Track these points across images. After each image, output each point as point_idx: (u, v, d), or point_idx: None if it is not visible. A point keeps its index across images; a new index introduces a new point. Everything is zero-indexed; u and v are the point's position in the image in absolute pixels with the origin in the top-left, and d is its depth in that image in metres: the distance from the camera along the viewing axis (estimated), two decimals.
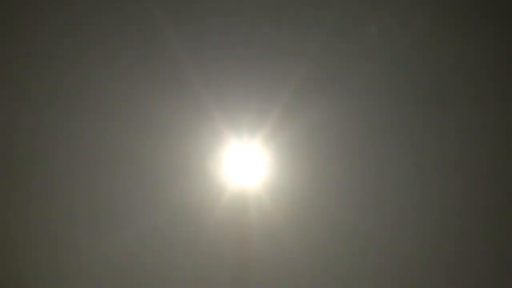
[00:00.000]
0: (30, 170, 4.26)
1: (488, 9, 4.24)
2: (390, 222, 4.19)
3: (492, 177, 4.21)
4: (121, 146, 4.23)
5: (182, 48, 4.24)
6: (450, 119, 4.24)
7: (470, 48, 4.24)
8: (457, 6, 4.24)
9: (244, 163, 4.27)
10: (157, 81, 4.24)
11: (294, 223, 4.17)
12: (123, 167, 4.23)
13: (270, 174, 4.25)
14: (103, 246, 4.16)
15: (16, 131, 4.27)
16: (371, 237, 4.16)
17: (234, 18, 4.27)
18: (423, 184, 4.21)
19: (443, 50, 4.25)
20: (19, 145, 4.26)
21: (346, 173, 4.22)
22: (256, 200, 4.21)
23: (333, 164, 4.23)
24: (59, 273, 4.17)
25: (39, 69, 4.27)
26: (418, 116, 4.26)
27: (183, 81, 4.23)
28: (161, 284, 4.15)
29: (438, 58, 4.26)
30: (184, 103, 4.22)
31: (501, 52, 4.24)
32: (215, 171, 4.24)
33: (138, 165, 4.22)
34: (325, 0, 4.25)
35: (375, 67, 4.26)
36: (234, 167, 4.26)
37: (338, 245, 4.16)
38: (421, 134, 4.24)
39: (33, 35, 4.26)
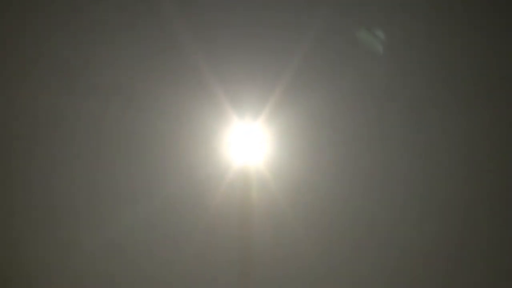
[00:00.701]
0: (27, 157, 4.27)
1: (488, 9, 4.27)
2: (392, 201, 4.21)
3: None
4: (123, 126, 4.24)
5: (186, 29, 4.25)
6: (450, 98, 4.27)
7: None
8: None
9: (247, 143, 4.30)
10: (160, 62, 4.25)
11: (296, 202, 4.20)
12: (125, 148, 4.24)
13: (273, 153, 4.28)
14: (106, 227, 4.17)
15: (13, 114, 4.27)
16: (373, 216, 4.18)
17: None
18: (423, 161, 4.24)
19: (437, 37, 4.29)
20: (16, 128, 4.26)
21: (347, 154, 4.25)
22: (258, 179, 4.24)
23: (334, 145, 4.26)
24: (59, 257, 4.18)
25: (39, 46, 4.26)
26: (418, 98, 4.28)
27: (186, 62, 4.25)
28: (164, 263, 4.16)
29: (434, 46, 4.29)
30: (187, 84, 4.23)
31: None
32: (218, 151, 4.27)
33: (140, 146, 4.24)
34: None
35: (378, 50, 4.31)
36: (237, 147, 4.30)
37: (340, 224, 4.18)
38: (422, 114, 4.27)
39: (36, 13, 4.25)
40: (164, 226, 4.18)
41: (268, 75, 4.22)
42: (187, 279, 4.15)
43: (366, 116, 4.27)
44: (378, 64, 4.28)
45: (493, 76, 4.26)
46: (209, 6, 4.28)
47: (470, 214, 4.18)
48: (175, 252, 4.15)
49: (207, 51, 4.24)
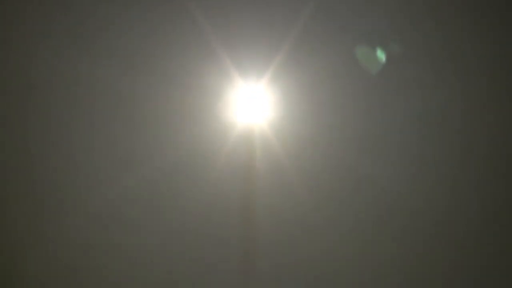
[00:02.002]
0: (23, 120, 4.18)
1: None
2: (394, 166, 4.19)
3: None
4: (124, 88, 4.15)
5: None
6: (455, 65, 4.22)
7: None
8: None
9: (251, 105, 4.22)
10: (162, 21, 4.16)
11: (301, 165, 4.16)
12: (127, 109, 4.16)
13: (277, 115, 4.21)
14: (108, 189, 4.13)
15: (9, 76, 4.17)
16: (375, 180, 4.16)
17: None
18: (427, 128, 4.20)
19: None
20: (16, 89, 4.17)
21: (353, 116, 4.20)
22: (262, 141, 4.18)
23: (339, 106, 4.20)
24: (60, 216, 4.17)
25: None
26: (426, 65, 4.22)
27: (189, 22, 4.16)
28: (166, 224, 4.15)
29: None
30: (189, 45, 4.14)
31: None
32: (221, 113, 4.19)
33: (142, 107, 4.16)
34: None
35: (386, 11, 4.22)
36: (240, 109, 4.22)
37: (343, 187, 4.16)
38: (429, 82, 4.21)
39: None
40: (165, 190, 4.14)
41: (273, 35, 4.13)
42: (189, 242, 4.13)
43: (372, 79, 4.20)
44: (384, 28, 4.21)
45: None
46: None
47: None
48: (177, 215, 4.12)
49: (210, 11, 4.15)
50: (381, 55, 4.21)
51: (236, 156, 4.15)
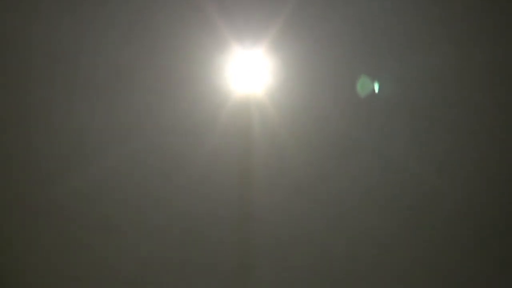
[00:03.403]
0: (26, 84, 4.17)
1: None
2: (396, 137, 4.15)
3: None
4: (121, 56, 4.14)
5: None
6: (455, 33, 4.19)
7: None
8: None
9: (248, 72, 4.17)
10: None
11: (297, 132, 4.13)
12: (122, 78, 4.14)
13: (274, 82, 4.17)
14: (104, 159, 4.12)
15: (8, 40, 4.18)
16: (370, 145, 4.13)
17: None
18: (428, 98, 4.16)
19: None
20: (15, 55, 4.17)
21: (351, 86, 4.15)
22: (259, 108, 4.15)
23: (338, 76, 4.15)
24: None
25: None
26: (425, 34, 4.18)
27: None
28: (162, 194, 4.12)
29: None
30: (186, 10, 4.12)
31: None
32: (218, 80, 4.15)
33: (138, 75, 4.13)
34: None
35: None
36: (238, 75, 4.17)
37: (341, 157, 4.13)
38: (427, 51, 4.18)
39: None
40: (160, 159, 4.12)
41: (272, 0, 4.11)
42: (184, 212, 4.11)
43: (374, 46, 4.16)
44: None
45: None
46: None
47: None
48: (172, 185, 4.10)
49: None
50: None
51: (232, 124, 4.13)
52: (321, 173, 4.11)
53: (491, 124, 4.14)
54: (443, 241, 4.12)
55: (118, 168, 4.10)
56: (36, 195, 4.12)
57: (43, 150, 4.15)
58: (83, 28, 4.15)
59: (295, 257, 4.12)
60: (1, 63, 4.17)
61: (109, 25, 4.14)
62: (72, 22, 4.15)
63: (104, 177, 4.11)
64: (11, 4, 4.17)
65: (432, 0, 4.15)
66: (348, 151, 4.12)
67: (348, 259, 4.11)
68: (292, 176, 4.11)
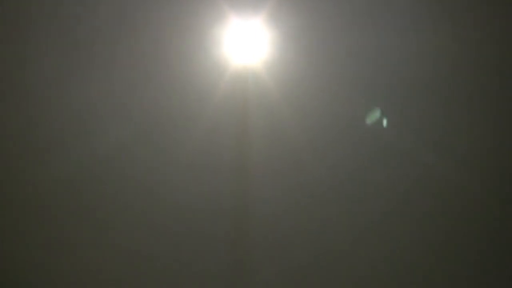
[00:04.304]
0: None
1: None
2: (396, 111, 4.15)
3: None
4: (119, 27, 4.13)
5: None
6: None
7: None
8: None
9: (245, 42, 4.15)
10: None
11: (294, 102, 4.11)
12: (121, 47, 4.13)
13: (271, 53, 4.15)
14: (97, 141, 4.11)
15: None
16: (372, 124, 4.13)
17: None
18: (426, 74, 4.15)
19: None
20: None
21: (349, 56, 4.13)
22: (256, 79, 4.13)
23: (336, 46, 4.13)
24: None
25: None
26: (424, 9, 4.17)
27: None
28: (159, 166, 4.12)
29: None
30: None
31: None
32: (215, 50, 4.14)
33: (136, 45, 4.12)
34: None
35: None
36: (235, 46, 4.15)
37: (336, 125, 4.12)
38: (424, 25, 4.16)
39: None
40: (157, 130, 4.12)
41: None
42: (181, 189, 4.11)
43: (372, 19, 4.14)
44: None
45: None
46: None
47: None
48: (169, 157, 4.11)
49: None
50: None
51: (230, 95, 4.12)
52: (317, 144, 4.10)
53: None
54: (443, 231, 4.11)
55: (116, 142, 4.11)
56: (37, 171, 4.14)
57: (46, 124, 4.18)
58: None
59: (293, 235, 4.11)
60: None
61: None
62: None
63: (100, 155, 4.11)
64: None
65: None
66: (346, 121, 4.11)
67: (347, 229, 4.10)
68: (289, 147, 4.11)
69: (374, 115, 4.14)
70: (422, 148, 4.10)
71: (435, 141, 4.12)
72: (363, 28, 4.13)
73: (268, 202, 4.13)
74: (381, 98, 4.14)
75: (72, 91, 4.15)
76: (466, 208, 4.09)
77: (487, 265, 4.07)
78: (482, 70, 4.14)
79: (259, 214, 4.14)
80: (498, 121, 4.13)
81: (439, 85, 4.14)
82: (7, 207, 4.13)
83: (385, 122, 4.13)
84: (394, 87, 4.15)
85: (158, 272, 4.10)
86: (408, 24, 4.14)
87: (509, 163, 4.13)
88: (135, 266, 4.09)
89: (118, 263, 4.09)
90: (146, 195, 4.12)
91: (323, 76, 4.12)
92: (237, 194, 4.14)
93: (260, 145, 4.13)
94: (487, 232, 4.08)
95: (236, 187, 4.14)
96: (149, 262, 4.10)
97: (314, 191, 4.12)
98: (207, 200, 4.13)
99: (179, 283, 4.09)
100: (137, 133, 4.13)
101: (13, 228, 4.10)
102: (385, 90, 4.15)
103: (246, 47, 4.15)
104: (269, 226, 4.13)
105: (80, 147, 4.12)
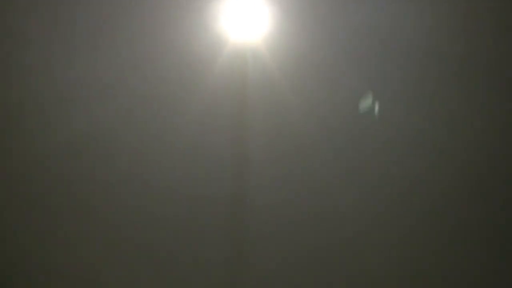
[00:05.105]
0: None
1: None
2: (387, 85, 4.11)
3: None
4: (116, 7, 4.08)
5: None
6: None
7: None
8: None
9: (244, 17, 4.10)
10: None
11: (294, 80, 4.06)
12: (118, 27, 4.08)
13: (271, 29, 4.10)
14: (96, 113, 4.06)
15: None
16: (367, 95, 4.09)
17: None
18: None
19: None
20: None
21: (349, 32, 4.08)
22: (256, 54, 4.08)
23: (336, 23, 4.09)
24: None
25: None
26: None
27: None
28: (158, 144, 4.08)
29: None
30: None
31: None
32: (214, 27, 4.09)
33: (132, 25, 4.07)
34: None
35: None
36: (234, 23, 4.11)
37: (339, 104, 4.08)
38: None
39: None
40: (156, 107, 4.07)
41: None
42: (179, 157, 4.05)
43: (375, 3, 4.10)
44: None
45: None
46: None
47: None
48: (168, 135, 4.06)
49: None
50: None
51: (230, 72, 4.07)
52: (318, 122, 4.05)
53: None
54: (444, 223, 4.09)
55: (114, 117, 4.05)
56: (25, 150, 4.07)
57: (46, 98, 4.09)
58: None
59: (292, 215, 4.06)
60: None
61: None
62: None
63: (99, 128, 4.06)
64: None
65: None
66: (346, 99, 4.07)
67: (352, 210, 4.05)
68: (289, 126, 4.06)
69: (367, 103, 4.11)
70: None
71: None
72: (363, 2, 4.09)
73: (267, 185, 4.06)
74: (382, 73, 4.10)
75: (71, 72, 4.09)
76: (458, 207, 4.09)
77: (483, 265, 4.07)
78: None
79: (258, 201, 4.08)
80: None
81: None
82: None
83: (377, 108, 4.10)
84: (396, 62, 4.10)
85: (149, 260, 4.04)
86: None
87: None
88: (126, 257, 4.03)
89: (108, 254, 4.03)
90: (137, 180, 4.06)
91: (323, 51, 4.06)
92: (235, 177, 4.08)
93: (259, 123, 4.08)
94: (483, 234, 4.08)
95: (235, 169, 4.08)
96: (141, 252, 4.04)
97: (314, 173, 4.06)
98: (203, 185, 4.07)
99: (172, 274, 4.03)
100: (134, 110, 4.07)
101: None
102: (387, 65, 4.10)
103: (245, 23, 4.10)
104: (268, 212, 4.07)
105: (69, 126, 4.08)
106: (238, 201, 4.08)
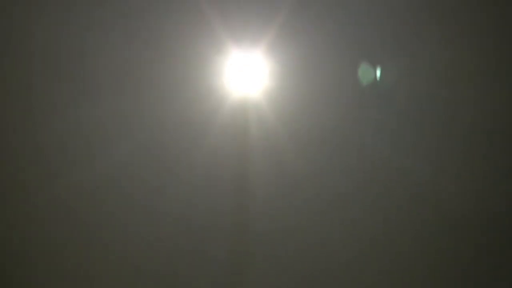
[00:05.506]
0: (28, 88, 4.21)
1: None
2: (394, 137, 4.17)
3: None
4: (122, 57, 4.17)
5: None
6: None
7: None
8: None
9: (245, 73, 4.20)
10: None
11: (295, 134, 4.14)
12: (123, 78, 4.16)
13: (272, 84, 4.19)
14: (98, 162, 4.13)
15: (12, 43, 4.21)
16: (373, 153, 4.14)
17: None
18: (423, 99, 4.18)
19: None
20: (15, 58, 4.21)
21: (347, 86, 4.18)
22: (256, 110, 4.16)
23: (334, 77, 4.17)
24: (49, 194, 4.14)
25: None
26: (420, 39, 4.21)
27: None
28: (158, 198, 4.13)
29: None
30: (184, 12, 4.15)
31: None
32: (215, 81, 4.17)
33: (136, 77, 4.16)
34: None
35: None
36: (235, 77, 4.19)
37: (339, 157, 4.14)
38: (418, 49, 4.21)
39: None
40: (158, 159, 4.13)
41: (269, 2, 4.14)
42: (181, 213, 4.11)
43: (372, 50, 4.19)
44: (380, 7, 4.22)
45: None
46: None
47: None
48: (169, 186, 4.11)
49: None
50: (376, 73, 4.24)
51: (230, 126, 4.14)
52: (318, 173, 4.11)
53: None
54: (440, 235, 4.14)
55: (115, 167, 4.11)
56: (40, 191, 4.13)
57: (47, 146, 4.17)
58: (85, 31, 4.19)
59: (291, 258, 4.13)
60: (6, 60, 4.20)
61: (110, 27, 4.18)
62: (74, 25, 4.20)
63: (102, 176, 4.12)
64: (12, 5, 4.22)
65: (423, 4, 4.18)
66: (346, 151, 4.13)
67: (345, 258, 4.11)
68: (289, 178, 4.11)
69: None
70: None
71: None
72: (360, 58, 4.17)
73: (268, 232, 4.13)
74: (381, 126, 4.18)
75: (74, 119, 4.18)
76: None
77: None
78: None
79: (257, 244, 4.15)
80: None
81: None
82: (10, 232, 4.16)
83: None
84: (396, 114, 4.19)
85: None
86: (405, 54, 4.19)
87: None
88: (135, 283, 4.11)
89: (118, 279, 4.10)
90: (146, 217, 4.13)
91: (322, 106, 4.15)
92: (237, 225, 4.14)
93: (260, 174, 4.13)
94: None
95: (236, 218, 4.14)
96: (148, 279, 4.11)
97: (315, 221, 4.13)
98: (205, 228, 4.14)
99: None
100: (136, 159, 4.14)
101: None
102: (386, 117, 4.19)
103: (246, 78, 4.19)
104: (267, 255, 4.15)
105: (71, 174, 4.14)
106: (238, 253, 4.16)
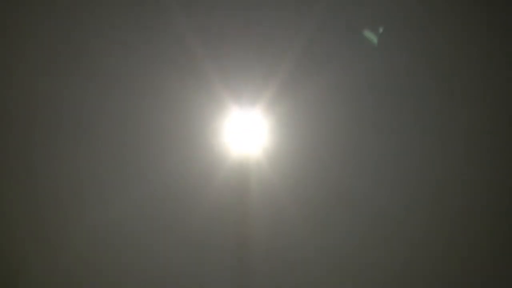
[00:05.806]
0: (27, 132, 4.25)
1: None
2: (388, 186, 4.20)
3: None
4: (119, 113, 4.21)
5: (184, 17, 4.23)
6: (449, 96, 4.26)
7: None
8: None
9: (245, 132, 4.25)
10: (159, 49, 4.23)
11: (295, 192, 4.16)
12: (120, 136, 4.21)
13: (271, 142, 4.23)
14: (96, 216, 4.12)
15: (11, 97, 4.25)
16: (377, 212, 4.15)
17: None
18: (428, 151, 4.21)
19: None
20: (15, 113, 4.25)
21: (350, 145, 4.22)
22: (257, 168, 4.19)
23: (337, 136, 4.22)
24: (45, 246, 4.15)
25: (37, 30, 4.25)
26: (416, 86, 4.27)
27: (185, 49, 4.21)
28: (158, 255, 4.14)
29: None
30: (185, 71, 4.19)
31: None
32: (215, 140, 4.22)
33: (136, 134, 4.21)
34: None
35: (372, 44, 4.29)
36: (235, 136, 4.24)
37: (339, 213, 4.15)
38: (419, 103, 4.26)
39: None
40: (156, 220, 4.13)
41: (268, 61, 4.19)
42: (180, 275, 4.12)
43: (368, 108, 4.24)
44: (377, 58, 4.29)
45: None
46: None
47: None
48: (167, 248, 4.11)
49: (205, 38, 4.20)
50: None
51: (231, 184, 4.17)
52: (320, 231, 4.14)
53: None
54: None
55: (117, 220, 4.12)
56: (48, 236, 4.16)
57: (52, 198, 4.20)
58: (88, 81, 4.24)
59: None
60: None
61: (113, 82, 4.23)
62: (77, 81, 4.25)
63: (95, 234, 4.13)
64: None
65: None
66: (348, 207, 4.15)
67: None
68: (290, 236, 4.13)
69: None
70: None
71: None
72: (359, 114, 4.25)
73: None
74: (384, 180, 4.22)
75: (77, 171, 4.20)
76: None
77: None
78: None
79: None
80: None
81: None
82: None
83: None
84: (399, 168, 4.23)
85: None
86: (402, 109, 4.24)
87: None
88: None
89: None
90: (144, 275, 4.13)
91: (323, 163, 4.18)
92: (238, 283, 4.15)
93: (261, 234, 4.15)
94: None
95: (235, 275, 4.15)
96: None
97: (312, 279, 4.14)
98: (204, 286, 4.14)
99: None
100: (137, 213, 4.16)
101: None
102: (386, 172, 4.23)
103: (246, 136, 4.25)
104: None
105: (84, 217, 4.17)
106: None
